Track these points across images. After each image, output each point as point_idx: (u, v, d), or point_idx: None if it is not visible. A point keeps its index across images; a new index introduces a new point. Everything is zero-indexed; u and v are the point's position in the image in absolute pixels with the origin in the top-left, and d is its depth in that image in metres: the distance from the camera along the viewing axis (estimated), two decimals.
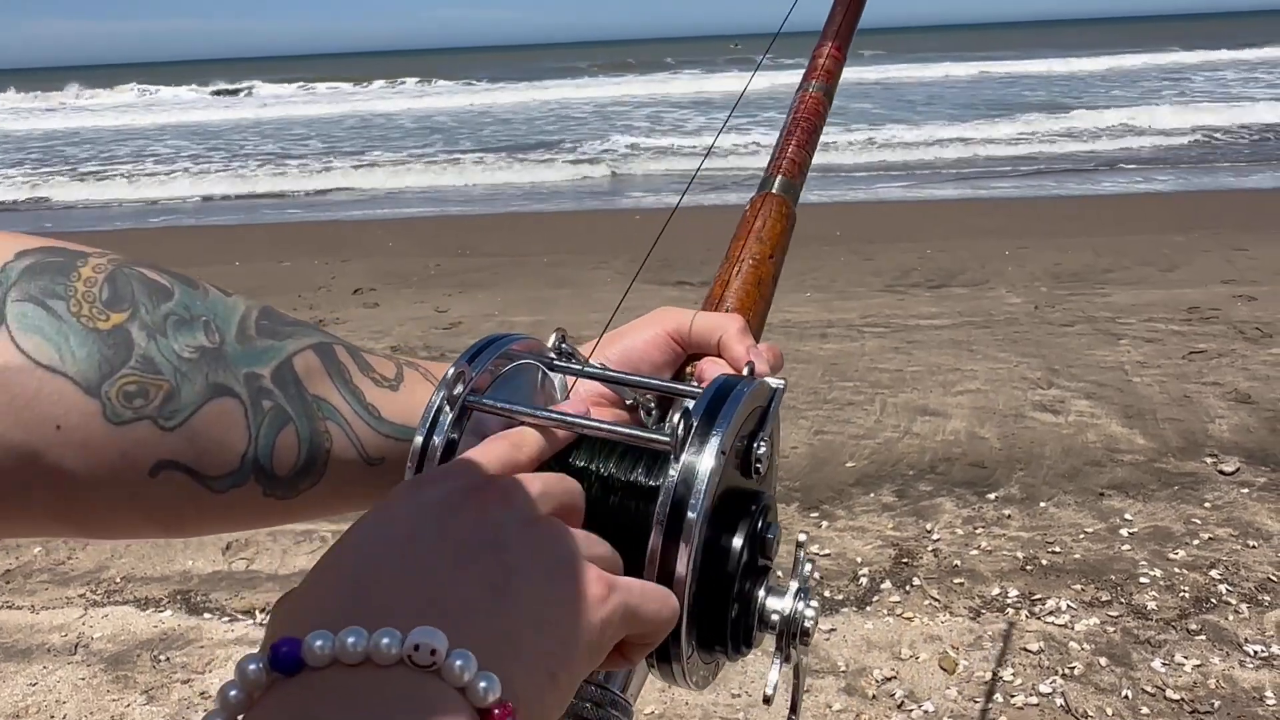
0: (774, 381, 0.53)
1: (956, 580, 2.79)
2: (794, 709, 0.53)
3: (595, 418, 0.53)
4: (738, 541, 0.47)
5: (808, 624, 0.49)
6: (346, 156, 14.32)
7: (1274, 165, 10.74)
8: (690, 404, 0.48)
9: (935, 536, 3.04)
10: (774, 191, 0.72)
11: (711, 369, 0.61)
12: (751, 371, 0.54)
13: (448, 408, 0.51)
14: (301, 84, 33.07)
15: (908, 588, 2.78)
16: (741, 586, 0.48)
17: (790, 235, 0.72)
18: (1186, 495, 3.21)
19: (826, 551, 2.99)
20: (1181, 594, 2.68)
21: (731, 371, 0.58)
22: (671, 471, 0.45)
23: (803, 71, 0.81)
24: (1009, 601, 2.68)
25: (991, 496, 3.27)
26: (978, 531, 3.05)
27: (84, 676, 2.56)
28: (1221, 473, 3.34)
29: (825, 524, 3.15)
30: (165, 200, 11.62)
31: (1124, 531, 3.00)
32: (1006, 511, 3.17)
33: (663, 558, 0.44)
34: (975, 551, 2.94)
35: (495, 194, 11.33)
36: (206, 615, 2.82)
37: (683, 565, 0.44)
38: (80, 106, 27.42)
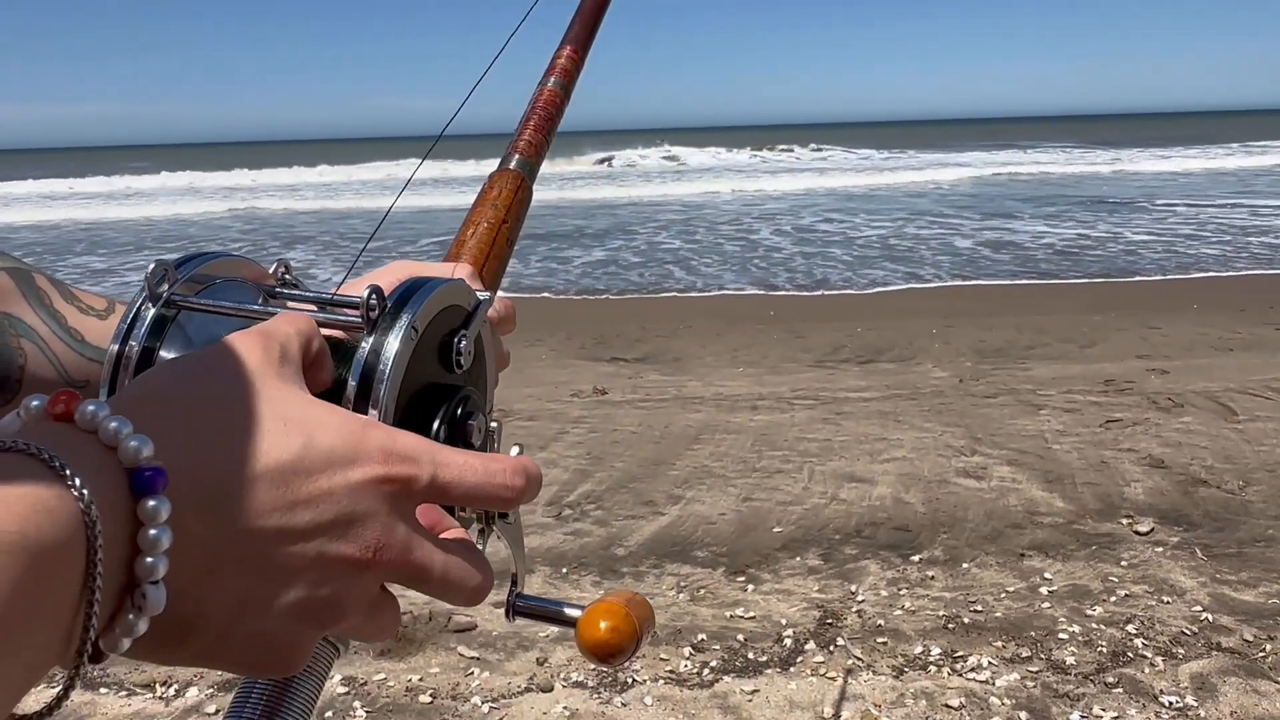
0: (481, 293, 0.52)
1: (880, 639, 2.78)
2: (514, 582, 0.53)
3: (290, 304, 0.51)
4: (435, 425, 0.46)
5: None
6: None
7: None
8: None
9: (860, 598, 3.03)
10: (511, 168, 0.78)
11: None
12: None
13: (150, 306, 0.47)
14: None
15: (831, 648, 2.75)
16: None
17: (526, 207, 0.77)
18: (1104, 554, 3.25)
19: (752, 615, 2.95)
20: (1099, 649, 2.69)
21: None
22: (364, 343, 0.44)
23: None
24: (931, 659, 2.67)
25: (915, 558, 3.28)
26: (902, 592, 3.05)
27: None
28: (1137, 533, 3.40)
29: (751, 588, 3.12)
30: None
31: (1044, 590, 3.03)
32: (930, 573, 3.18)
33: None
34: (899, 611, 2.94)
35: None
36: (103, 690, 2.67)
37: None
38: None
